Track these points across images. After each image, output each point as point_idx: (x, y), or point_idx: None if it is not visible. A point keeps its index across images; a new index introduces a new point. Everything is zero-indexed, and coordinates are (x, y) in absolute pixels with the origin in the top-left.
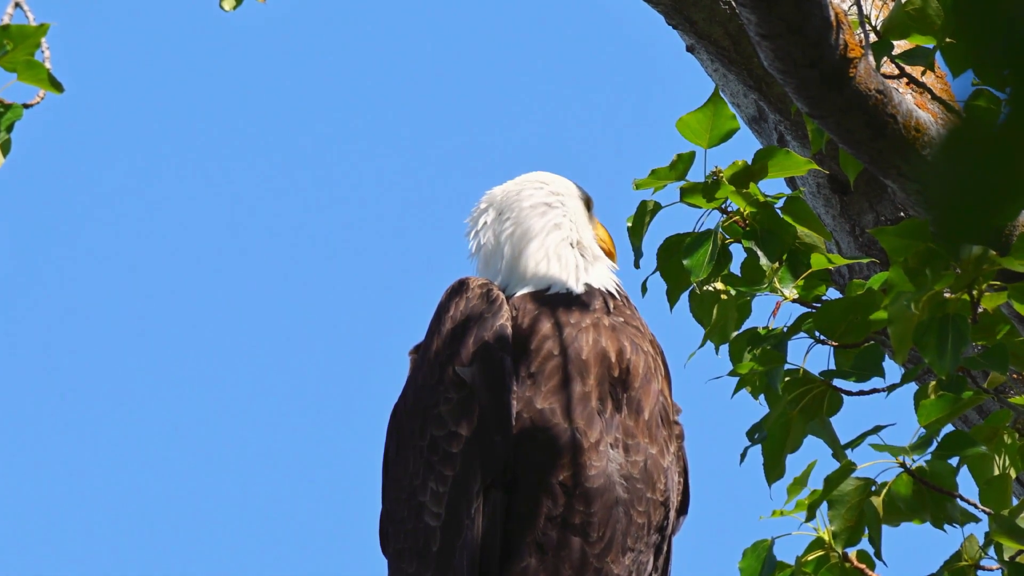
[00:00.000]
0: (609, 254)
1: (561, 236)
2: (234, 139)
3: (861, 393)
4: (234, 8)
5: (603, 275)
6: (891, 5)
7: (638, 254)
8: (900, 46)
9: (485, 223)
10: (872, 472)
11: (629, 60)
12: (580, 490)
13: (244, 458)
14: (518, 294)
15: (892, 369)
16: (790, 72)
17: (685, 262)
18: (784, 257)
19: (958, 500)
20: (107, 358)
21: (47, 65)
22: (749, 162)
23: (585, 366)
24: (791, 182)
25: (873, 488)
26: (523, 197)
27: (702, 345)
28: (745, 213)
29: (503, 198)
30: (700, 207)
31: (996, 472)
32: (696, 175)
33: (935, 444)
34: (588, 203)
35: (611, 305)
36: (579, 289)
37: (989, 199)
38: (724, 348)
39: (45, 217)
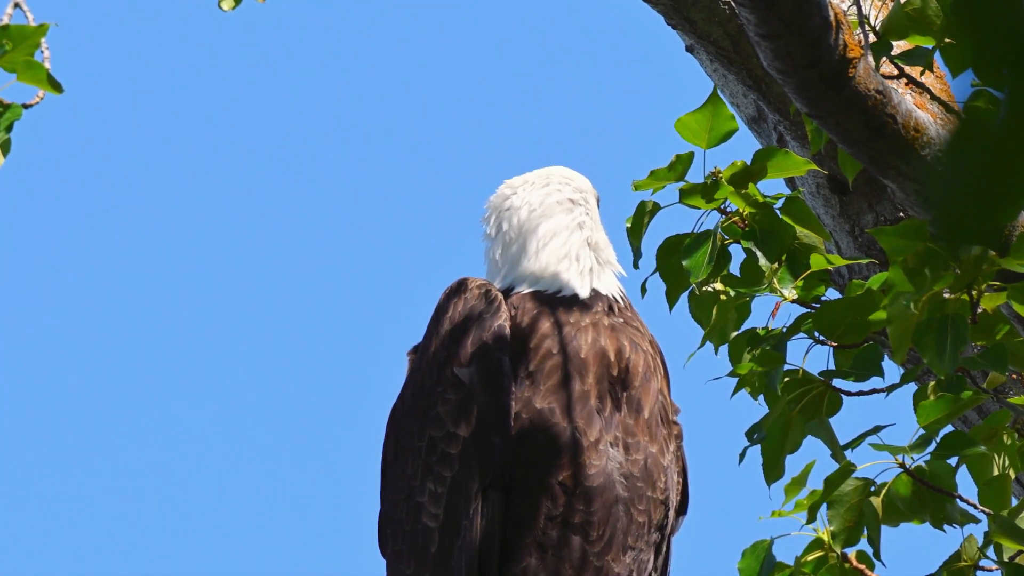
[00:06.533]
0: None
1: (583, 236)
2: (234, 139)
3: (860, 393)
4: (233, 8)
5: (611, 281)
6: (890, 5)
7: (637, 255)
8: (899, 46)
9: (507, 210)
10: (871, 472)
11: (629, 60)
12: (580, 489)
13: (244, 459)
14: (518, 293)
15: (891, 369)
16: (789, 72)
17: (684, 263)
18: (783, 257)
19: (957, 500)
20: (107, 358)
21: (46, 65)
22: (748, 163)
23: (584, 365)
24: (790, 182)
25: (872, 488)
26: (550, 191)
27: (701, 346)
28: (744, 214)
29: (527, 189)
30: (699, 208)
31: (995, 472)
32: (695, 176)
33: (934, 444)
34: (598, 201)
35: (616, 309)
36: (586, 294)
37: (988, 199)
38: (723, 349)
39: (45, 218)
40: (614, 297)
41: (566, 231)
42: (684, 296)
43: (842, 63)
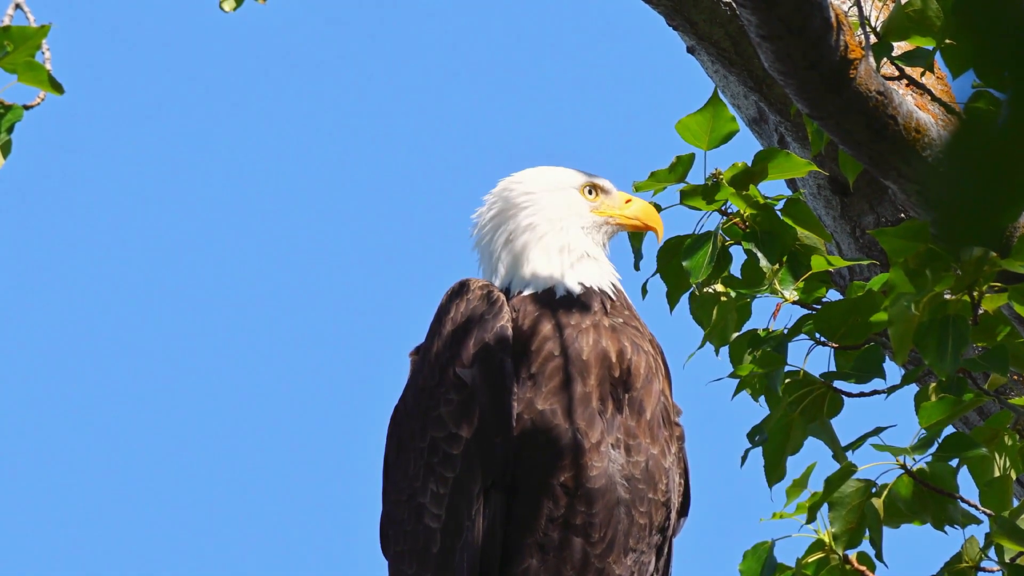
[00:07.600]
0: (646, 227)
1: (535, 236)
2: (235, 140)
3: (862, 395)
4: (234, 9)
5: (593, 273)
6: (891, 6)
7: (638, 256)
8: (900, 47)
9: (481, 222)
10: (873, 474)
11: (629, 61)
12: (582, 491)
13: (245, 459)
14: (518, 295)
15: (892, 370)
16: (790, 73)
17: (685, 264)
18: (784, 259)
19: (959, 502)
20: (107, 359)
21: (47, 66)
22: (749, 164)
23: (586, 367)
24: (791, 184)
25: (874, 490)
26: (504, 197)
27: (701, 346)
28: (745, 215)
29: (493, 198)
30: (700, 209)
31: (997, 473)
32: (696, 177)
33: (936, 446)
34: (594, 187)
35: (608, 305)
36: (577, 289)
37: (989, 200)
38: (724, 350)
39: (45, 219)
40: (601, 288)
41: (517, 235)
42: (685, 297)
43: (843, 64)
